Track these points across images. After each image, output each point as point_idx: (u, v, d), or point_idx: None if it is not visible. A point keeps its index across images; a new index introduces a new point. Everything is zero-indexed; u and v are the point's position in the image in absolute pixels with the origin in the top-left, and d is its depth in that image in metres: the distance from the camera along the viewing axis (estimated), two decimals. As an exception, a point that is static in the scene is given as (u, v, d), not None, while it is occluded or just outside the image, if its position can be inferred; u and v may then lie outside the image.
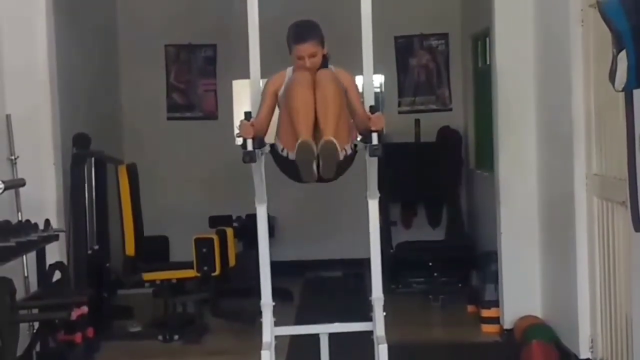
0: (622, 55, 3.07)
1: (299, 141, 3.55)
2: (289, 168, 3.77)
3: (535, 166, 5.41)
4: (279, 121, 3.84)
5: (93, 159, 6.06)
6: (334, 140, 3.55)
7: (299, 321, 5.82)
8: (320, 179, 3.71)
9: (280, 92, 3.88)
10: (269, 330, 4.00)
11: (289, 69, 3.93)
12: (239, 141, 3.68)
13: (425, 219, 8.07)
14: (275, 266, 4.26)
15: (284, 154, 3.79)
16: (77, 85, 6.50)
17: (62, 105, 5.44)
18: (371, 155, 3.73)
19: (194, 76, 8.29)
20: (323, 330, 4.16)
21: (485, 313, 5.81)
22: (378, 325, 3.98)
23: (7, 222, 4.65)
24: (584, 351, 4.59)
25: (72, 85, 6.24)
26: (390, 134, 7.37)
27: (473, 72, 7.72)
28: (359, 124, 3.88)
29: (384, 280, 4.20)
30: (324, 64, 3.87)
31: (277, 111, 3.96)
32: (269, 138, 3.89)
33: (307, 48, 3.77)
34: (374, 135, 3.64)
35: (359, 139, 3.93)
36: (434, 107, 8.22)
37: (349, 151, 3.81)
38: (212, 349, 5.72)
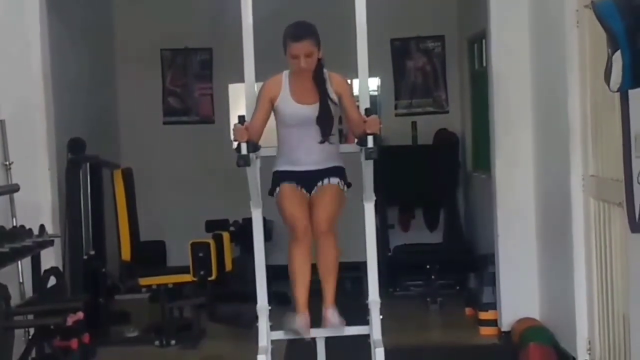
0: (617, 55, 3.06)
1: (290, 325, 3.90)
2: None
3: (532, 168, 5.40)
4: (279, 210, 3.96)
5: (88, 163, 6.04)
6: (337, 322, 3.92)
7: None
8: None
9: (276, 102, 3.87)
10: (265, 335, 3.99)
11: (285, 72, 3.92)
12: (236, 145, 3.69)
13: (422, 221, 8.05)
14: (272, 270, 4.24)
15: None
16: (72, 89, 6.48)
17: (56, 110, 5.43)
18: (367, 158, 3.74)
19: (190, 80, 8.28)
20: (320, 334, 4.14)
21: (483, 315, 5.80)
22: (375, 328, 3.97)
23: (2, 227, 4.64)
24: (581, 353, 4.57)
25: (67, 90, 6.22)
26: (387, 136, 7.37)
27: (469, 74, 7.72)
28: (354, 128, 3.88)
29: (381, 283, 4.20)
30: (320, 69, 3.87)
31: (273, 117, 3.97)
32: (264, 142, 3.89)
33: (303, 46, 3.77)
34: (370, 138, 3.65)
35: (355, 142, 3.93)
36: (430, 109, 8.21)
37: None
38: (209, 354, 5.70)
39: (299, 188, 3.92)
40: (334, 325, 3.92)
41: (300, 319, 3.89)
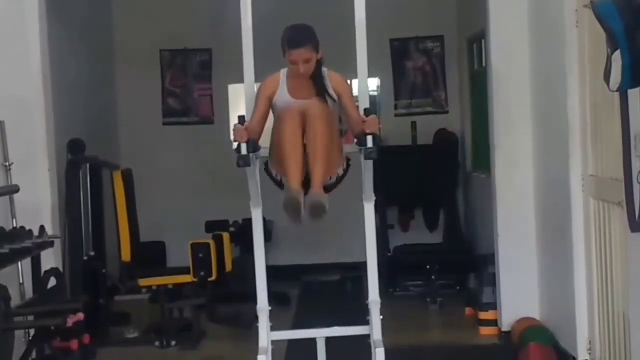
0: (617, 54, 3.06)
1: (285, 197, 3.62)
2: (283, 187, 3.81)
3: (531, 168, 5.40)
4: (271, 146, 3.85)
5: (88, 164, 6.04)
6: (322, 201, 3.63)
7: (296, 325, 5.81)
8: None
9: (274, 99, 3.87)
10: (265, 335, 3.99)
11: (283, 70, 3.92)
12: (236, 145, 3.69)
13: (422, 221, 8.05)
14: (272, 270, 4.25)
15: (278, 178, 3.84)
16: (71, 90, 6.48)
17: (56, 111, 5.42)
18: (366, 158, 3.74)
19: (190, 81, 8.28)
20: (320, 334, 4.15)
21: (483, 315, 5.80)
22: (375, 328, 3.97)
23: (2, 228, 4.63)
24: (581, 353, 4.57)
25: (67, 90, 6.22)
26: (387, 136, 7.37)
27: (469, 74, 7.72)
28: (353, 127, 3.88)
29: (381, 283, 4.21)
30: (318, 68, 3.87)
31: (271, 115, 3.96)
32: (264, 141, 3.89)
33: (301, 54, 3.77)
34: (369, 138, 3.65)
35: (354, 142, 3.93)
36: (430, 109, 8.22)
37: (341, 172, 3.86)
38: (209, 355, 5.70)
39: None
40: (318, 204, 3.58)
41: (293, 190, 3.59)
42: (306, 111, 3.69)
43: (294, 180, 3.64)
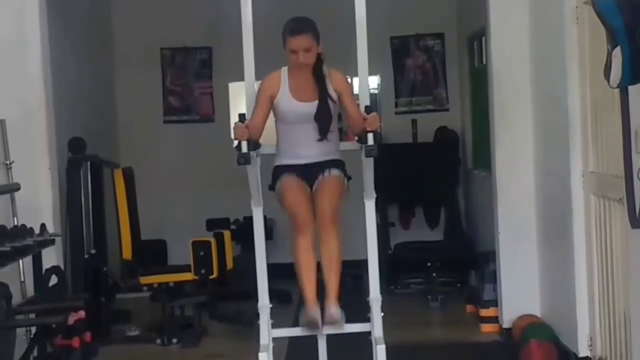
0: (617, 51, 3.07)
1: (306, 320, 3.87)
2: None
3: (532, 165, 5.41)
4: (280, 201, 3.94)
5: (89, 163, 6.05)
6: (338, 319, 3.87)
7: (297, 323, 5.80)
8: None
9: (276, 100, 3.87)
10: (267, 333, 3.99)
11: (284, 69, 3.92)
12: (236, 143, 3.69)
13: (423, 219, 8.05)
14: (273, 268, 4.25)
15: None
16: (72, 89, 6.48)
17: (57, 110, 5.43)
18: (367, 155, 3.75)
19: (190, 79, 8.28)
20: (321, 331, 4.14)
21: (484, 313, 5.81)
22: (376, 326, 3.97)
23: (3, 227, 4.64)
24: (582, 349, 4.58)
25: (67, 89, 6.23)
26: (388, 134, 7.38)
27: (469, 72, 7.72)
28: (354, 125, 3.89)
29: (382, 281, 4.21)
30: (319, 65, 3.87)
31: (272, 115, 3.97)
32: (264, 139, 3.90)
33: (301, 40, 3.77)
34: (370, 136, 3.65)
35: (355, 140, 3.94)
36: (431, 107, 8.22)
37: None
38: (210, 352, 5.70)
39: (299, 179, 3.90)
40: (335, 321, 3.86)
41: (311, 311, 3.86)
42: (318, 212, 3.84)
43: (310, 296, 3.89)
